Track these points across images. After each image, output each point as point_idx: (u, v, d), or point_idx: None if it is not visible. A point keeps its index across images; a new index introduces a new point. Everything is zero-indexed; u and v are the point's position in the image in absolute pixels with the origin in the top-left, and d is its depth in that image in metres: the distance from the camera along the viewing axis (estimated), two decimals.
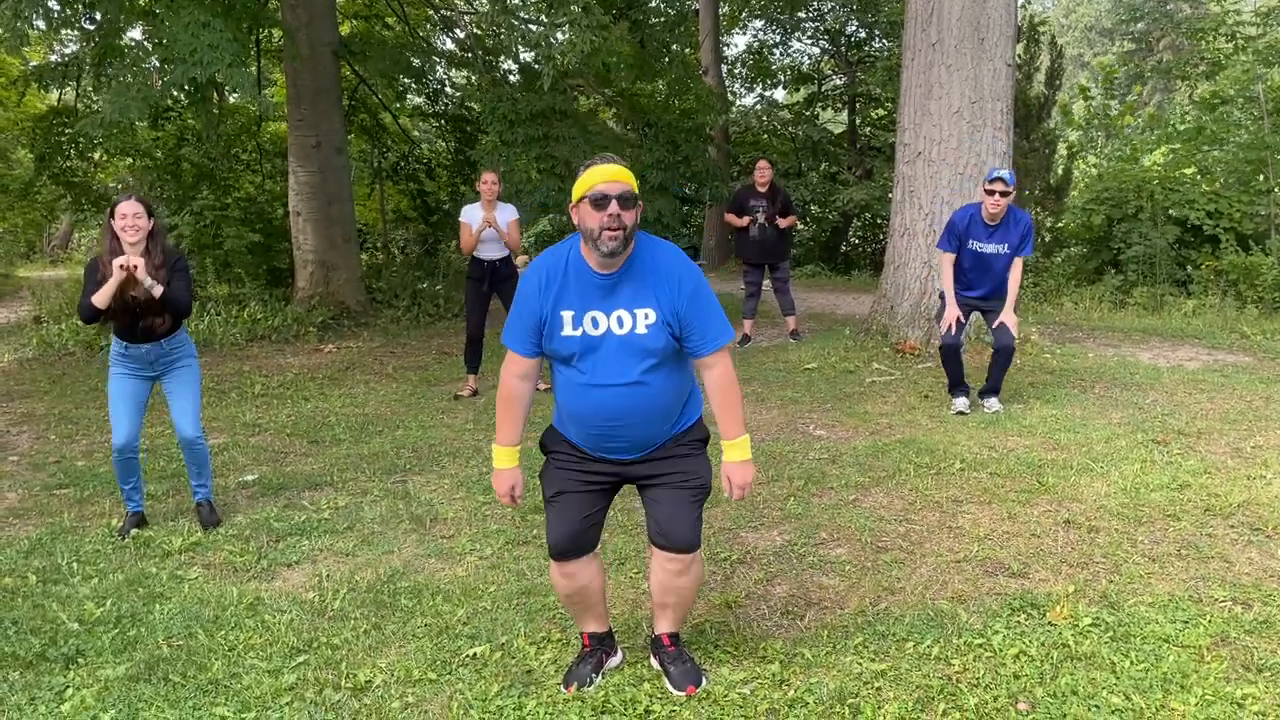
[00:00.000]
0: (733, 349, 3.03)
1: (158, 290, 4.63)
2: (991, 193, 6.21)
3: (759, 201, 9.47)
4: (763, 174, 9.51)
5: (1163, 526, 4.43)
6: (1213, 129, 13.61)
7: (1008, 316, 6.46)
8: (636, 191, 2.89)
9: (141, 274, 4.57)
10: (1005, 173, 6.28)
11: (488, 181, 7.52)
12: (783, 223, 9.52)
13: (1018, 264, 6.48)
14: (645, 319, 2.88)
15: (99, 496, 5.56)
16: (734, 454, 3.02)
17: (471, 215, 7.56)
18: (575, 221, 2.90)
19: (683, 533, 2.99)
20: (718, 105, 16.15)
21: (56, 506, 5.42)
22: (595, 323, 2.89)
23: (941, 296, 6.68)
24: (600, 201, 2.79)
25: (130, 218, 4.61)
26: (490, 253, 7.60)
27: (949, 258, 6.52)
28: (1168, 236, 11.95)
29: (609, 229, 2.79)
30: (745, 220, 9.51)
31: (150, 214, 4.71)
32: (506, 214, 7.61)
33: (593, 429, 2.97)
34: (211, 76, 9.49)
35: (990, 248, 6.37)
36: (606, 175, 2.83)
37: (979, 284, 6.52)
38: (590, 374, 2.91)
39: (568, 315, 2.90)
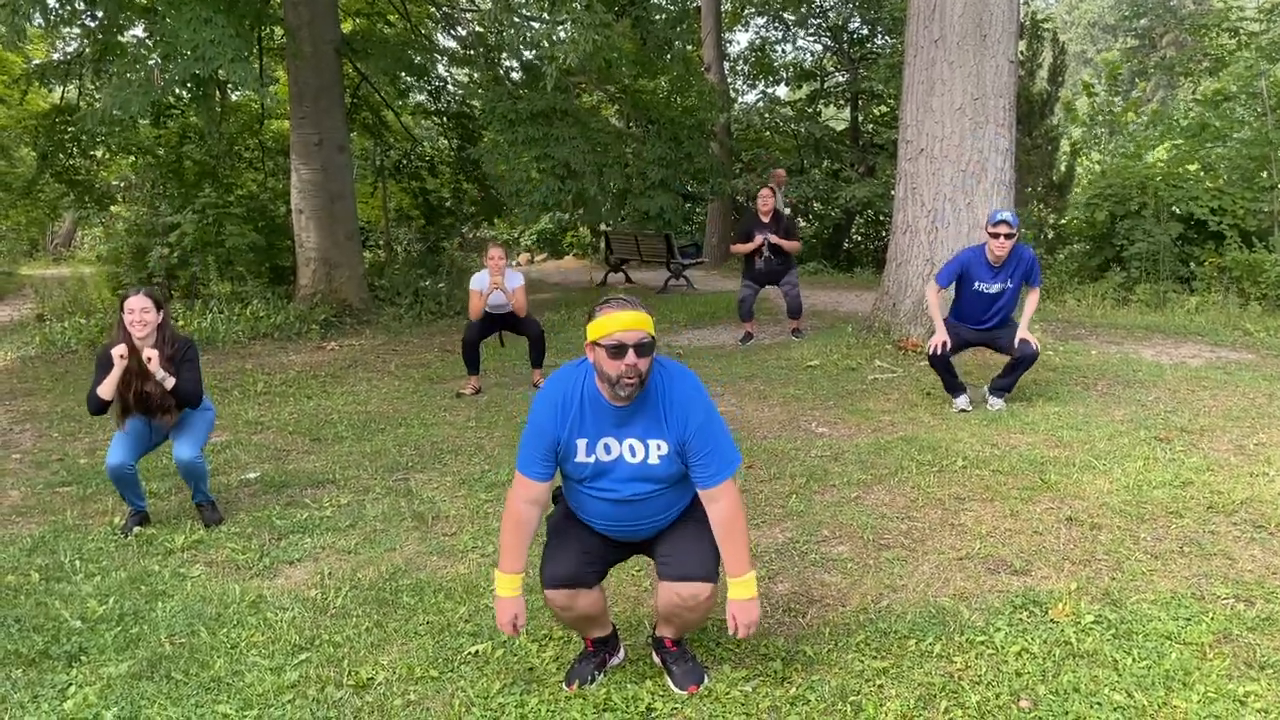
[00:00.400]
0: (738, 477, 3.06)
1: (169, 382, 4.73)
2: (996, 235, 6.19)
3: (764, 231, 9.44)
4: (765, 203, 9.49)
5: (1165, 524, 4.42)
6: (1216, 125, 13.57)
7: (1024, 334, 6.45)
8: (653, 336, 2.88)
9: (155, 366, 4.68)
10: (1008, 215, 6.22)
11: (494, 256, 7.73)
12: (785, 245, 9.48)
13: (1034, 293, 6.53)
14: (658, 450, 2.93)
15: (102, 494, 5.56)
16: (740, 592, 2.96)
17: (480, 283, 7.78)
18: (590, 359, 2.91)
19: (702, 564, 2.98)
20: (719, 102, 16.13)
21: (59, 504, 5.43)
22: (608, 449, 2.94)
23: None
24: (617, 351, 2.80)
25: (138, 312, 4.69)
26: (496, 301, 7.81)
27: (939, 291, 6.48)
28: (1171, 233, 11.93)
29: (626, 378, 2.81)
30: (751, 248, 9.46)
31: (159, 306, 4.79)
32: (513, 281, 7.81)
33: (601, 528, 3.07)
34: (213, 73, 9.49)
35: (995, 287, 6.39)
36: (624, 324, 2.81)
37: (981, 320, 6.54)
38: (600, 491, 2.98)
39: (581, 443, 2.94)
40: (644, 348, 2.81)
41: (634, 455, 2.93)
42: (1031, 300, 6.55)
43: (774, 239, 9.35)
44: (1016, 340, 6.43)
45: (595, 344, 2.84)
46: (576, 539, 3.08)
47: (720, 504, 2.94)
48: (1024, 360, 6.47)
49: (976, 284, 6.40)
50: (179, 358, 4.81)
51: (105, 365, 4.72)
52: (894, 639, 3.42)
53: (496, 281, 7.66)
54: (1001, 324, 6.52)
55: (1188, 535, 4.27)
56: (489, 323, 7.93)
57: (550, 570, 3.03)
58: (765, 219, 9.47)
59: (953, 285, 6.51)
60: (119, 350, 4.64)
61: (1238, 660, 3.19)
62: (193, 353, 4.89)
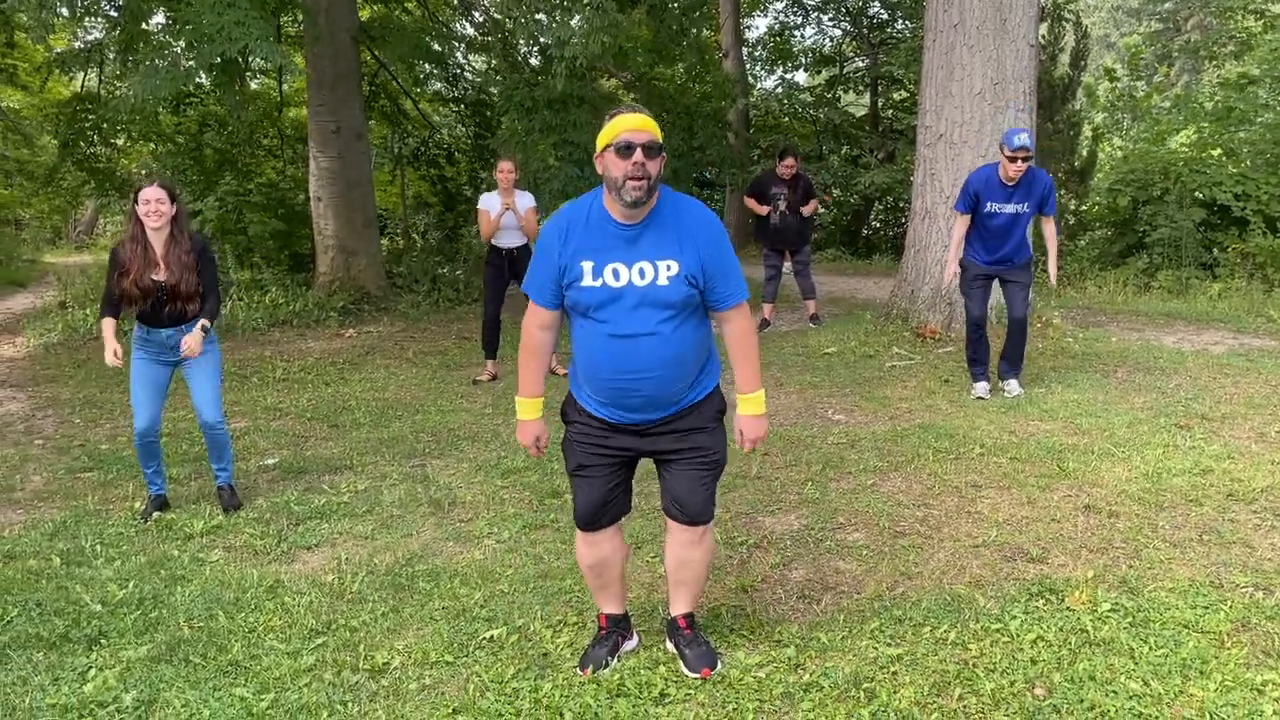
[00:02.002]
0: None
1: (199, 337, 4.76)
2: (1014, 159, 6.09)
3: (780, 188, 9.42)
4: (789, 169, 9.46)
5: (1184, 512, 4.39)
6: (1241, 109, 13.40)
7: (1052, 267, 6.52)
8: (661, 141, 2.88)
9: (194, 343, 4.74)
10: (1027, 139, 6.11)
11: (504, 170, 7.53)
12: (805, 209, 9.49)
13: (1049, 224, 6.47)
14: (668, 270, 2.87)
15: (122, 480, 5.61)
16: (749, 408, 3.06)
17: (490, 203, 7.59)
18: (600, 170, 2.89)
19: (697, 506, 3.04)
20: (733, 90, 16.04)
21: (80, 490, 5.48)
22: (616, 274, 2.88)
23: (962, 265, 6.61)
24: (625, 150, 2.79)
25: (154, 203, 4.65)
26: (508, 240, 7.63)
27: (964, 219, 6.47)
28: (1194, 219, 11.80)
29: (633, 178, 2.78)
30: (765, 209, 9.48)
31: (174, 198, 4.75)
32: (524, 201, 7.63)
33: (611, 383, 2.95)
34: (237, 55, 9.54)
35: (1010, 208, 6.28)
36: (632, 124, 2.82)
37: (996, 247, 6.41)
38: (610, 324, 2.90)
39: (588, 266, 2.89)
40: (652, 149, 2.81)
41: (643, 278, 2.87)
42: (1050, 233, 6.50)
43: (804, 210, 9.35)
44: (1015, 292, 6.47)
45: (604, 150, 2.85)
46: (595, 475, 3.06)
47: (736, 324, 3.02)
48: (1013, 326, 6.49)
49: (990, 205, 6.30)
50: (197, 255, 4.77)
51: (117, 261, 4.72)
52: (908, 626, 3.42)
53: (508, 202, 7.46)
54: (1014, 257, 6.44)
55: (1207, 523, 4.24)
56: (500, 271, 7.68)
57: (580, 509, 3.09)
58: (784, 176, 9.42)
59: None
60: (185, 348, 4.71)
61: (1256, 649, 3.16)
62: (208, 255, 4.86)
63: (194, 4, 9.42)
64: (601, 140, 2.86)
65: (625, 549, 3.26)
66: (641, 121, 2.83)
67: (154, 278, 4.69)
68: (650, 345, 2.89)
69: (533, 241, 7.69)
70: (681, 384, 2.99)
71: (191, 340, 4.73)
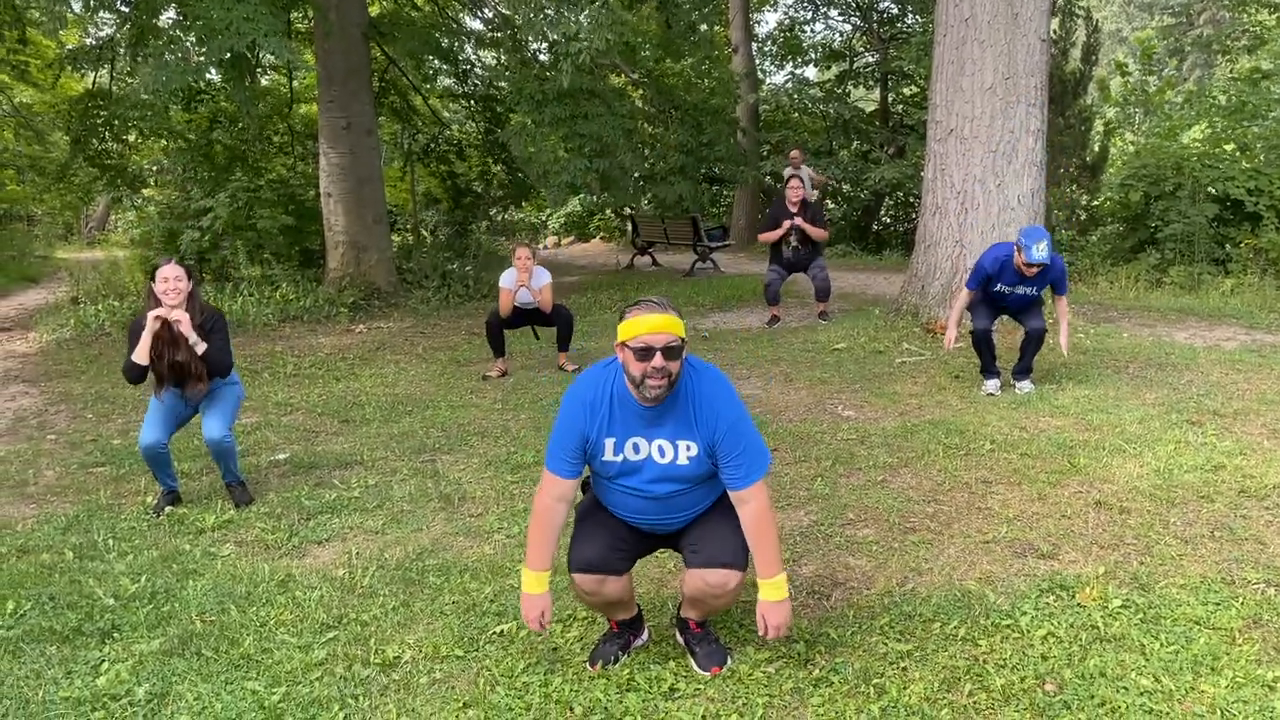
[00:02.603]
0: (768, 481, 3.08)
1: (200, 347, 4.80)
2: (1030, 266, 6.10)
3: (791, 220, 9.44)
4: (795, 194, 9.48)
5: (1196, 508, 4.37)
6: (1254, 104, 13.32)
7: (1064, 340, 6.54)
8: (683, 339, 2.87)
9: (186, 328, 4.75)
10: (1046, 255, 6.02)
11: (522, 257, 7.85)
12: (811, 232, 9.48)
13: (1062, 301, 6.51)
14: (687, 451, 2.93)
15: (134, 475, 5.64)
16: (771, 593, 2.94)
17: (508, 281, 7.87)
18: (619, 359, 2.92)
19: (731, 551, 2.98)
20: (736, 90, 16.01)
21: (93, 484, 5.51)
22: (636, 448, 2.95)
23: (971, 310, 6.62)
24: (644, 353, 2.80)
25: (172, 280, 4.76)
26: (523, 299, 7.93)
27: (970, 295, 6.51)
28: (1206, 214, 11.73)
29: (653, 380, 2.81)
30: (777, 236, 9.50)
31: (190, 276, 4.86)
32: (540, 279, 7.89)
33: (627, 519, 3.09)
34: (247, 49, 9.57)
35: (1021, 289, 6.37)
36: (653, 326, 2.80)
37: (1001, 313, 6.63)
38: (629, 488, 3.00)
39: (609, 442, 2.96)
40: (672, 351, 2.81)
41: (663, 456, 2.94)
42: (1062, 309, 6.55)
43: (800, 223, 9.34)
44: (1031, 319, 6.49)
45: (623, 345, 2.85)
46: (605, 526, 3.09)
47: (751, 505, 2.93)
48: (1030, 337, 6.49)
49: (1002, 287, 6.39)
50: (209, 328, 4.86)
51: (137, 335, 4.78)
52: (918, 622, 3.41)
53: (523, 281, 7.81)
54: (1026, 312, 6.53)
55: (1219, 519, 4.22)
56: (517, 316, 8.03)
57: (578, 554, 3.03)
58: (793, 209, 9.46)
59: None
60: (153, 312, 4.70)
61: (1267, 645, 3.15)
62: (221, 323, 4.96)
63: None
64: (621, 335, 2.86)
65: (631, 581, 3.18)
66: (661, 323, 2.81)
67: (174, 357, 4.81)
68: (672, 504, 3.02)
69: (547, 311, 8.01)
70: (701, 509, 3.10)
71: (182, 319, 4.76)
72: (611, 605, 3.15)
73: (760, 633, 2.99)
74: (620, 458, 2.95)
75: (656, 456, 2.94)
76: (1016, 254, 6.16)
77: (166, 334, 4.78)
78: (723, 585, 2.97)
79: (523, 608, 3.05)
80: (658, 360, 2.79)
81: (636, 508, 3.04)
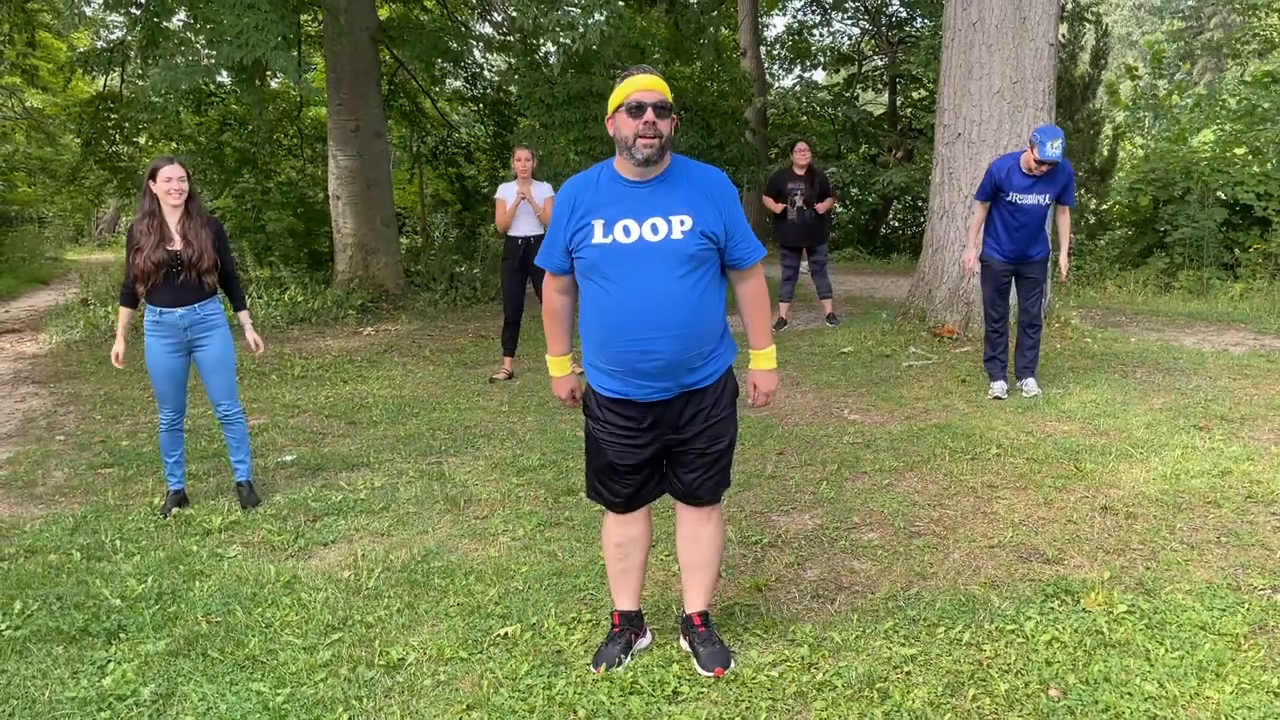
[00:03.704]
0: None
1: (249, 328, 5.17)
2: (1042, 163, 6.06)
3: (796, 184, 9.44)
4: (801, 156, 9.49)
5: (1202, 513, 4.36)
6: (1264, 108, 13.27)
7: (1064, 259, 6.52)
8: (671, 101, 2.92)
9: (253, 338, 5.21)
10: (1058, 153, 6.02)
11: (521, 158, 7.58)
12: (821, 207, 9.51)
13: (1065, 214, 6.48)
14: (682, 225, 2.90)
15: (142, 476, 5.67)
16: (762, 363, 3.18)
17: (507, 193, 7.64)
18: (611, 132, 2.94)
19: (709, 491, 3.15)
20: (748, 91, 16.01)
21: (101, 485, 5.53)
22: (627, 230, 2.90)
23: (982, 261, 6.59)
24: (636, 109, 2.84)
25: (175, 180, 4.72)
26: (524, 229, 7.65)
27: (983, 206, 6.48)
28: (1215, 219, 11.70)
29: (644, 136, 2.83)
30: (780, 206, 9.50)
31: (188, 176, 4.84)
32: (542, 191, 7.65)
33: (626, 347, 2.90)
34: (258, 58, 9.58)
35: (1030, 199, 6.25)
36: (643, 84, 2.87)
37: (1015, 239, 6.39)
38: (621, 282, 2.89)
39: (598, 224, 2.92)
40: (662, 108, 2.86)
41: (655, 233, 2.88)
42: (1065, 225, 6.52)
43: (819, 206, 9.38)
44: (1029, 290, 6.50)
45: (615, 111, 2.90)
46: (622, 470, 3.10)
47: (753, 281, 3.10)
48: (1029, 320, 6.50)
49: (1011, 194, 6.28)
50: (216, 231, 4.85)
51: (133, 242, 4.79)
52: (923, 626, 3.41)
53: (524, 192, 7.44)
54: (1034, 249, 6.42)
55: (1225, 525, 4.21)
56: (517, 265, 7.65)
57: (611, 497, 3.17)
58: (800, 172, 9.44)
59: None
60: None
61: (1273, 651, 3.14)
62: (224, 233, 4.98)
63: (214, 2, 9.48)
64: (613, 102, 2.91)
65: (651, 533, 3.31)
66: (652, 82, 2.88)
67: (169, 248, 4.73)
68: (665, 302, 2.88)
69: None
70: (698, 349, 2.96)
71: (253, 337, 5.17)
72: (631, 555, 3.23)
73: (749, 401, 3.23)
74: (610, 239, 2.89)
75: (649, 235, 2.88)
76: (1029, 151, 6.11)
77: (156, 231, 4.71)
78: (705, 511, 3.19)
79: (554, 387, 3.29)
80: (649, 115, 2.83)
81: (630, 316, 2.88)
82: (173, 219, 4.76)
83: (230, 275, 5.02)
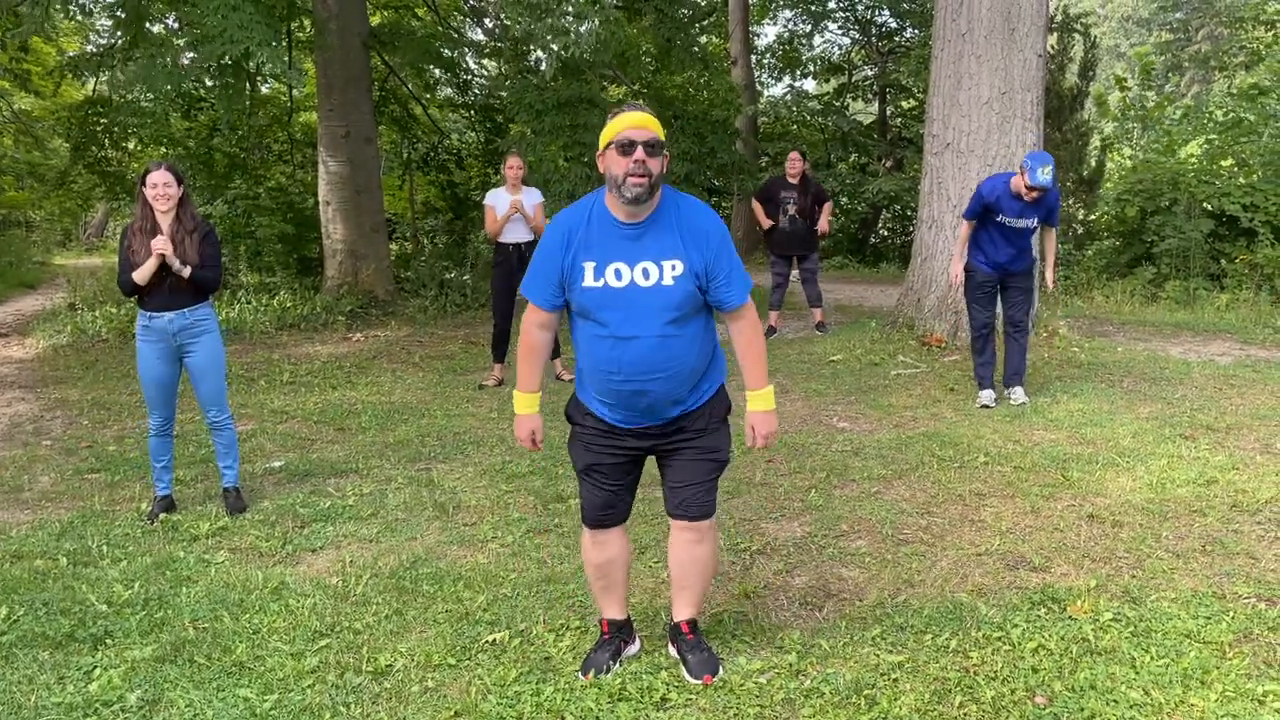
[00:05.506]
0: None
1: (186, 271, 4.75)
2: (1032, 189, 6.12)
3: (789, 193, 9.46)
4: (793, 166, 9.51)
5: (1188, 522, 4.39)
6: (1250, 120, 13.38)
7: (1050, 273, 6.64)
8: (663, 140, 2.90)
9: (170, 259, 4.70)
10: (1049, 180, 6.07)
11: (512, 165, 7.56)
12: (822, 225, 9.55)
13: (1051, 234, 6.57)
14: (673, 270, 2.88)
15: (129, 481, 5.64)
16: (759, 404, 3.09)
17: (497, 199, 7.62)
18: (602, 169, 2.92)
19: (699, 504, 3.09)
20: (737, 101, 16.05)
21: (88, 490, 5.51)
22: (618, 274, 2.88)
23: (967, 271, 6.64)
24: (626, 147, 2.82)
25: (161, 186, 4.71)
26: (515, 235, 7.65)
27: (969, 225, 6.54)
28: (1202, 229, 11.78)
29: (634, 175, 2.81)
30: (770, 223, 9.54)
31: (180, 181, 4.81)
32: (532, 197, 7.64)
33: (616, 385, 2.94)
34: (241, 58, 9.56)
35: (1020, 223, 6.34)
36: (634, 122, 2.85)
37: (1000, 253, 6.47)
38: (613, 327, 2.89)
39: (589, 266, 2.90)
40: (653, 146, 2.83)
41: (647, 278, 2.87)
42: (1050, 244, 6.61)
43: (797, 211, 9.39)
44: (1012, 299, 6.59)
45: (606, 149, 2.88)
46: (602, 475, 3.10)
47: (744, 321, 3.04)
48: (1015, 330, 6.58)
49: (1001, 217, 6.35)
50: (203, 236, 4.81)
51: (126, 244, 4.77)
52: (910, 634, 3.42)
53: (515, 202, 7.38)
54: (1018, 262, 6.48)
55: (1210, 534, 4.24)
56: (507, 272, 7.59)
57: (588, 508, 3.15)
58: (793, 180, 9.47)
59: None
60: (158, 244, 4.64)
61: (1258, 660, 3.16)
62: (213, 234, 4.93)
63: (199, 5, 9.46)
64: (604, 139, 2.90)
65: (630, 550, 3.31)
66: (643, 119, 2.86)
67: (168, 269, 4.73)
68: (655, 347, 2.89)
69: (540, 237, 7.70)
70: (687, 385, 2.99)
71: (169, 254, 4.71)
72: (612, 572, 3.22)
73: (749, 443, 3.13)
74: (601, 283, 2.89)
75: (640, 279, 2.87)
76: (1019, 176, 6.17)
77: (148, 233, 4.71)
78: (699, 530, 3.12)
79: (516, 428, 3.20)
80: (639, 154, 2.80)
81: (621, 362, 2.89)
82: (164, 223, 4.77)
83: (206, 263, 4.84)
